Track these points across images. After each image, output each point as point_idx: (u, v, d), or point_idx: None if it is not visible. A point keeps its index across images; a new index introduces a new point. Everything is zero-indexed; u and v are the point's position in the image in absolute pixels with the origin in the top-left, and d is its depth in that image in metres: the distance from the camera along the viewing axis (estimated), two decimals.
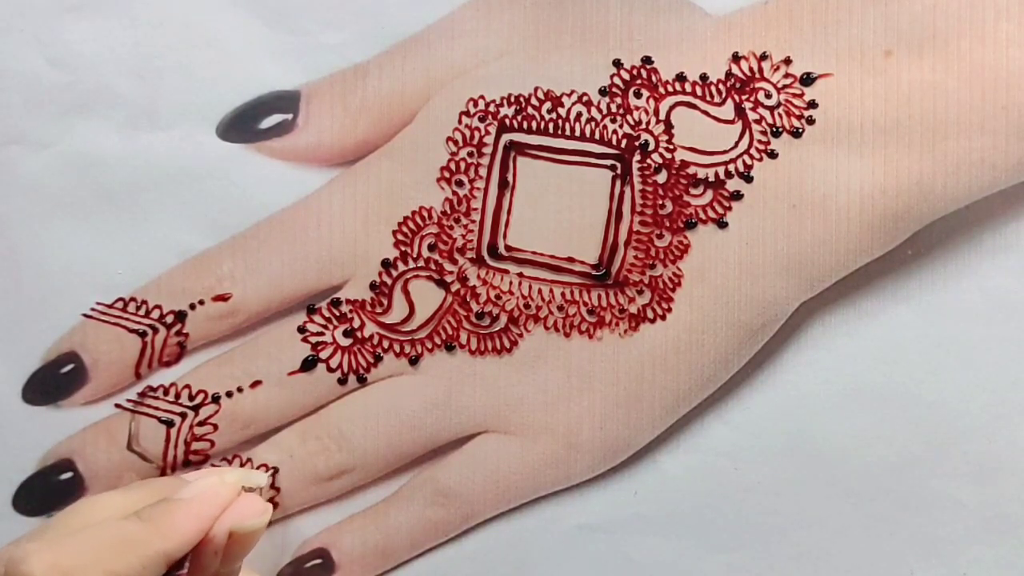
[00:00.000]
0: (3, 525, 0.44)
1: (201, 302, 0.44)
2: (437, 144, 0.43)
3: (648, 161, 0.42)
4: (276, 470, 0.44)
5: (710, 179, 0.42)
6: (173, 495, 0.38)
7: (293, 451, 0.44)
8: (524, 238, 0.43)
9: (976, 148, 0.41)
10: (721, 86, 0.42)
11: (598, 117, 0.42)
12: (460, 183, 0.43)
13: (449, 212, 0.43)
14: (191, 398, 0.44)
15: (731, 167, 0.42)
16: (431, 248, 0.43)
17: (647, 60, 0.42)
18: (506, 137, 0.43)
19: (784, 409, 0.45)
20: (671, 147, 0.42)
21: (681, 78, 0.42)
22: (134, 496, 0.39)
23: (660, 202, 0.42)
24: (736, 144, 0.42)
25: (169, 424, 0.44)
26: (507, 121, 0.43)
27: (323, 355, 0.44)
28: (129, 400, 0.44)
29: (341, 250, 0.44)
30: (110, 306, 0.44)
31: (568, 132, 0.42)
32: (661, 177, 0.42)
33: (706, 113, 0.42)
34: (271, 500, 0.44)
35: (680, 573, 0.45)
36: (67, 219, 0.44)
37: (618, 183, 0.42)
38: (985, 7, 0.40)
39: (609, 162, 0.42)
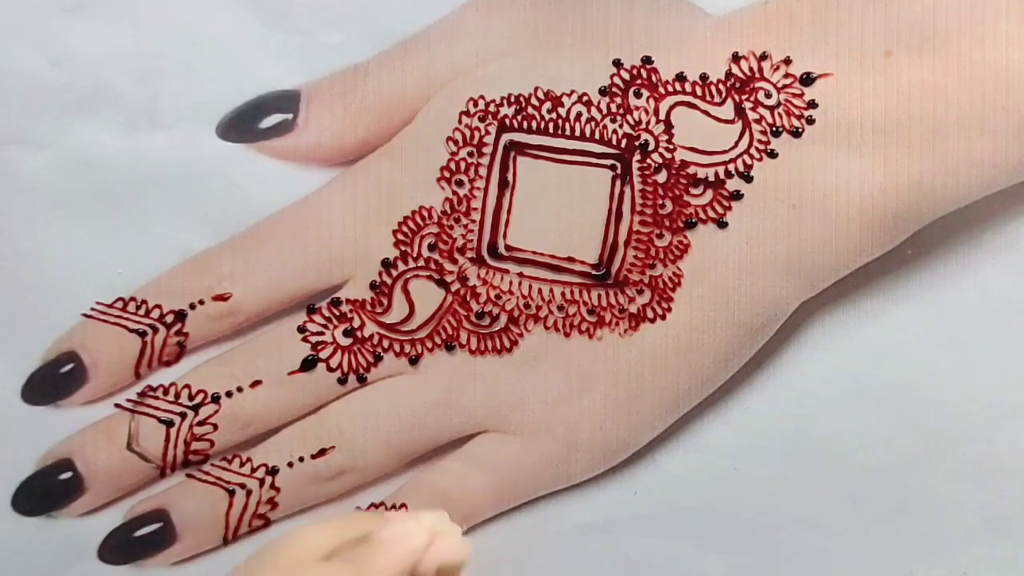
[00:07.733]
0: (2, 525, 0.44)
1: (201, 302, 0.44)
2: (437, 144, 0.43)
3: (648, 161, 0.42)
4: (277, 469, 0.44)
5: (710, 179, 0.42)
6: (375, 532, 0.37)
7: (293, 451, 0.44)
8: (524, 238, 0.43)
9: (976, 148, 0.41)
10: (721, 86, 0.42)
11: (598, 117, 0.42)
12: (460, 183, 0.43)
13: (449, 212, 0.43)
14: (191, 398, 0.44)
15: (731, 167, 0.42)
16: (431, 248, 0.43)
17: (647, 60, 0.42)
18: (506, 137, 0.43)
19: (784, 409, 0.45)
20: (671, 147, 0.42)
21: (681, 78, 0.42)
22: (338, 530, 0.38)
23: (660, 202, 0.42)
24: (736, 144, 0.42)
25: (169, 424, 0.44)
26: (507, 121, 0.43)
27: (323, 355, 0.43)
28: (129, 400, 0.44)
29: (341, 250, 0.44)
30: (110, 306, 0.44)
31: (568, 132, 0.42)
32: (661, 177, 0.42)
33: (706, 113, 0.42)
34: (270, 500, 0.44)
35: (680, 573, 0.45)
36: (67, 219, 0.44)
37: (618, 183, 0.42)
38: (985, 7, 0.40)
39: (609, 162, 0.42)
